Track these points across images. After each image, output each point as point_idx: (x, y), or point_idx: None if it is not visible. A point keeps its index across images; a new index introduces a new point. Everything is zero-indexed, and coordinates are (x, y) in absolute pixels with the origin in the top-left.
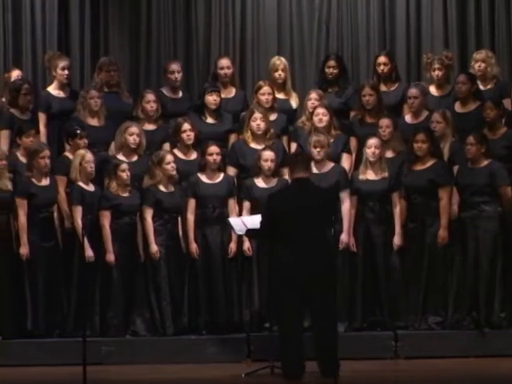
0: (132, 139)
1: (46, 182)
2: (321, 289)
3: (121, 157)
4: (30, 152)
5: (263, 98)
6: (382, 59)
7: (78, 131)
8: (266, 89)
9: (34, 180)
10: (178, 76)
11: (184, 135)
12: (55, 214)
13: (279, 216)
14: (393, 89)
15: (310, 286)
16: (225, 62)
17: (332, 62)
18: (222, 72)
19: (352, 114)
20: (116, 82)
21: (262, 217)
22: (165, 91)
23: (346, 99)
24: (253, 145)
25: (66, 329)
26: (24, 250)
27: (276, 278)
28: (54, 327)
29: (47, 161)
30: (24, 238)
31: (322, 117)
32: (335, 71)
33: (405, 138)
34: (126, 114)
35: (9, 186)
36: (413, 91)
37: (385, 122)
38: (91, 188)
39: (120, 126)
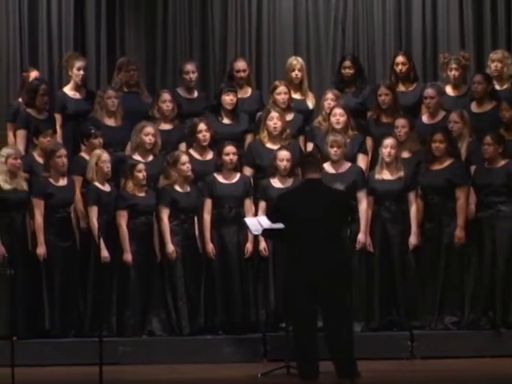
0: (148, 139)
1: (63, 182)
2: (332, 289)
3: (136, 157)
4: (46, 152)
5: (279, 98)
6: (400, 59)
7: (93, 131)
8: (281, 88)
9: (51, 180)
10: (193, 76)
11: (200, 135)
12: (72, 214)
13: (288, 216)
14: (411, 89)
15: (322, 286)
16: (241, 64)
17: (347, 63)
18: (237, 75)
19: (368, 113)
20: (135, 82)
21: (269, 213)
22: (180, 91)
23: (362, 99)
24: (269, 145)
25: (83, 329)
26: (41, 250)
27: (288, 277)
28: (71, 327)
29: (64, 160)
30: (41, 238)
31: (339, 117)
32: (351, 71)
33: (421, 138)
34: (146, 114)
35: (24, 185)
36: (429, 91)
37: (401, 122)
38: (107, 188)
39: (136, 125)
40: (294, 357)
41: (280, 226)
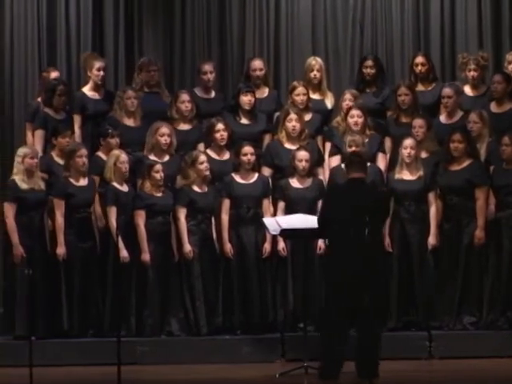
0: (163, 140)
1: (83, 182)
2: (365, 289)
3: (152, 157)
4: (66, 152)
5: (298, 99)
6: (419, 59)
7: (110, 131)
8: (300, 89)
9: (71, 180)
10: (211, 76)
11: (217, 135)
12: (92, 215)
13: (332, 215)
14: (430, 89)
15: (356, 286)
16: (257, 63)
17: (369, 62)
18: (254, 74)
19: (388, 113)
20: (156, 82)
21: (320, 214)
22: (197, 91)
23: (382, 99)
24: (287, 145)
25: (102, 329)
26: (61, 250)
27: (328, 277)
28: (89, 327)
29: (85, 160)
30: (61, 238)
31: (357, 119)
32: (373, 71)
33: (439, 138)
34: (166, 114)
35: (42, 185)
36: (447, 91)
37: (418, 122)
38: (125, 188)
39: (151, 126)
40: (320, 355)
41: (298, 225)
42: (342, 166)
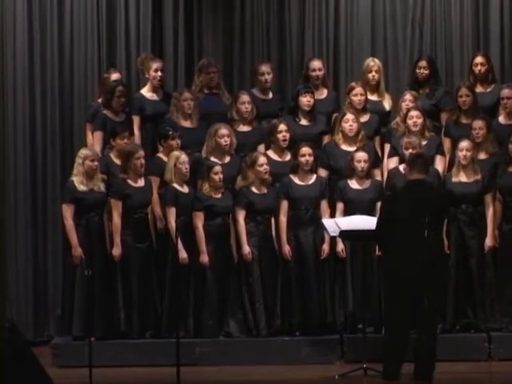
0: (223, 141)
1: (141, 183)
2: (423, 289)
3: (213, 159)
4: (125, 153)
5: (355, 99)
6: (479, 59)
7: (170, 132)
8: (358, 90)
9: (129, 181)
10: (268, 77)
11: (280, 136)
12: (149, 216)
13: (394, 217)
14: (489, 90)
15: (414, 286)
16: (316, 63)
17: (423, 63)
18: (313, 74)
19: (446, 115)
20: (216, 84)
21: (379, 218)
22: (255, 92)
23: (436, 101)
24: (344, 146)
25: (160, 330)
26: (117, 251)
27: (388, 277)
28: (147, 329)
29: (142, 162)
30: (117, 239)
31: (416, 120)
32: (426, 72)
33: (498, 139)
34: (225, 116)
35: (101, 186)
36: (506, 92)
37: (478, 123)
38: (185, 189)
39: (209, 129)
40: (383, 356)
41: (357, 227)
42: (400, 167)
